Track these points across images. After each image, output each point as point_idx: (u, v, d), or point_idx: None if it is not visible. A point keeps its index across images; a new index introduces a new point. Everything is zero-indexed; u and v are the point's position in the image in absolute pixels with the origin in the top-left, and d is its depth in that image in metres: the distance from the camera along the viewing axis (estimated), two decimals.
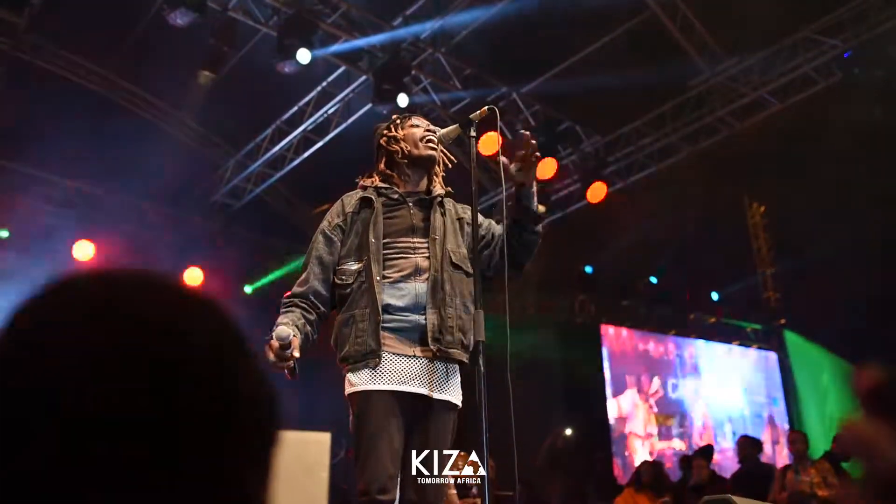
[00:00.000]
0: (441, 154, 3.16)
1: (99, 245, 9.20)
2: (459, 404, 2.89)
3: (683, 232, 11.23)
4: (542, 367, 11.28)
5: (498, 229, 3.13)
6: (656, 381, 13.06)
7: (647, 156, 9.81)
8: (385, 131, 3.16)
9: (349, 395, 2.78)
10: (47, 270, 8.44)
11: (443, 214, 3.05)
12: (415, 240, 2.95)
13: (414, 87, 8.59)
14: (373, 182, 3.09)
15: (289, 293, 2.94)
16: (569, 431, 11.20)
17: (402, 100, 7.85)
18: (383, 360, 2.75)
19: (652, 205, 10.36)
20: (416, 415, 2.78)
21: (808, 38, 8.20)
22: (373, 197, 3.01)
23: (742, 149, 9.40)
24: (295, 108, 9.09)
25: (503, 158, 2.97)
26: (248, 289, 10.46)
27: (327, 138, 9.02)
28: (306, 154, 9.30)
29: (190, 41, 7.58)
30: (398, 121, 3.19)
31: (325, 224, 3.03)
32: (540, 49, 8.65)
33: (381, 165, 3.13)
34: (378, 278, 2.83)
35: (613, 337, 12.94)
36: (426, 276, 2.88)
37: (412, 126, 3.14)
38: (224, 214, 10.50)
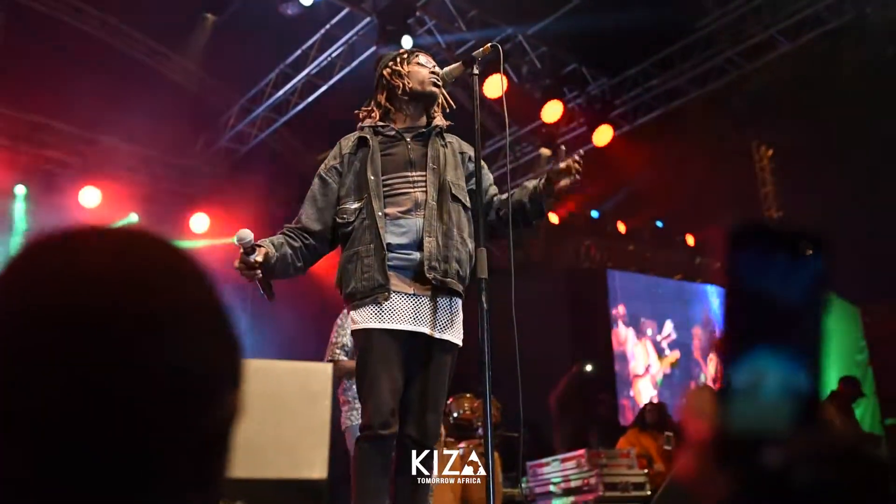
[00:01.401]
0: (442, 95, 3.16)
1: (105, 192, 9.19)
2: (460, 343, 2.93)
3: (690, 175, 11.16)
4: (548, 311, 11.35)
5: (490, 183, 3.15)
6: (668, 325, 13.14)
7: (655, 98, 9.69)
8: (391, 63, 3.14)
9: (353, 332, 2.85)
10: (53, 218, 8.46)
11: (443, 146, 3.06)
12: (413, 174, 2.96)
13: (418, 29, 8.47)
14: (372, 121, 3.09)
15: None
16: (588, 367, 11.33)
17: (407, 41, 7.74)
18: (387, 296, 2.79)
19: (659, 148, 10.27)
20: (416, 353, 2.84)
21: None
22: (368, 136, 3.03)
23: (751, 90, 9.28)
24: (298, 52, 8.98)
25: (544, 152, 2.99)
26: None
27: (331, 81, 8.93)
28: (310, 98, 9.22)
29: None
30: (405, 55, 3.18)
31: (321, 167, 3.08)
32: None
33: (382, 98, 3.11)
34: (380, 214, 2.85)
35: (620, 281, 12.97)
36: (423, 210, 2.90)
37: (418, 64, 3.13)
38: (229, 160, 10.46)
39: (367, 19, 8.16)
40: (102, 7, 8.72)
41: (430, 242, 2.85)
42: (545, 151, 10.11)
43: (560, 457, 7.35)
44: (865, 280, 10.42)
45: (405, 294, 2.81)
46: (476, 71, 2.98)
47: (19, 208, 8.83)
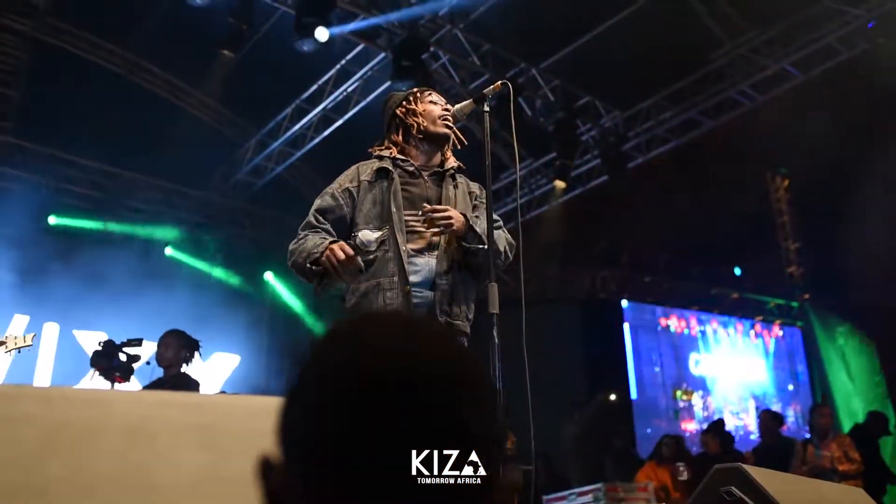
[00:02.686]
0: (454, 134, 3.18)
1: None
2: None
3: (705, 206, 11.15)
4: (563, 343, 11.32)
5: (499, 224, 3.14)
6: (691, 357, 13.04)
7: (668, 130, 9.73)
8: (404, 102, 3.17)
9: None
10: (81, 254, 8.49)
11: (455, 187, 3.08)
12: None
13: (433, 64, 8.57)
14: (390, 153, 3.09)
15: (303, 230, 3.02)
16: (612, 396, 11.28)
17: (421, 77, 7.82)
18: None
19: (674, 179, 10.28)
20: None
21: (832, 9, 8.06)
22: (390, 168, 3.03)
23: (764, 122, 9.28)
24: (314, 87, 9.10)
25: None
26: None
27: (347, 116, 9.04)
28: (326, 132, 9.32)
29: (209, 21, 7.61)
30: (418, 94, 3.20)
31: (335, 186, 3.06)
32: (558, 24, 8.58)
33: (398, 136, 3.13)
34: (404, 248, 2.86)
35: (635, 313, 12.91)
36: (437, 251, 2.92)
37: (430, 102, 3.15)
38: (246, 193, 10.55)
39: (382, 55, 8.27)
40: (123, 44, 8.89)
41: (443, 285, 2.87)
42: (559, 184, 10.14)
43: (576, 490, 7.28)
44: (882, 313, 10.32)
45: None
46: (487, 108, 3.01)
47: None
